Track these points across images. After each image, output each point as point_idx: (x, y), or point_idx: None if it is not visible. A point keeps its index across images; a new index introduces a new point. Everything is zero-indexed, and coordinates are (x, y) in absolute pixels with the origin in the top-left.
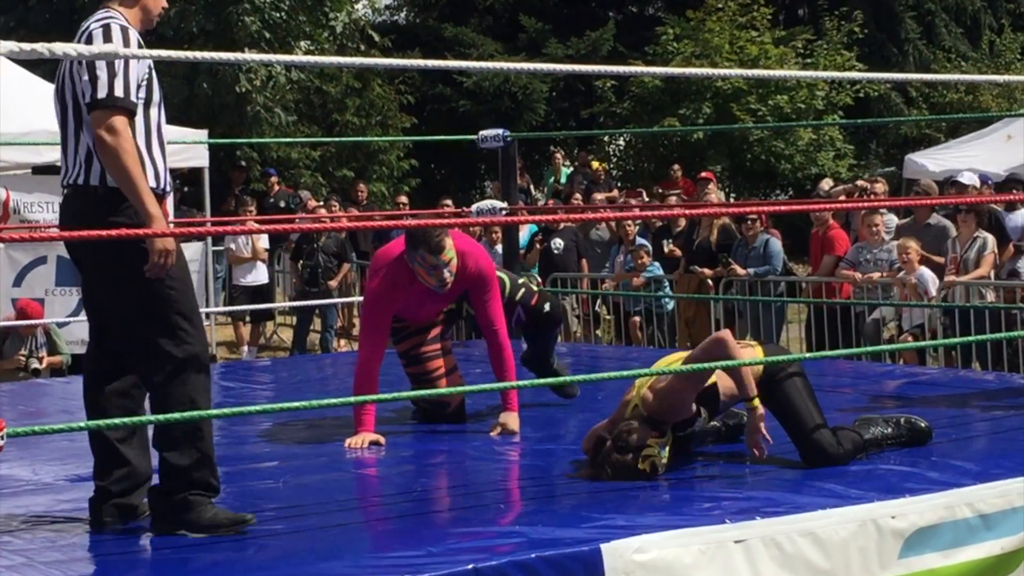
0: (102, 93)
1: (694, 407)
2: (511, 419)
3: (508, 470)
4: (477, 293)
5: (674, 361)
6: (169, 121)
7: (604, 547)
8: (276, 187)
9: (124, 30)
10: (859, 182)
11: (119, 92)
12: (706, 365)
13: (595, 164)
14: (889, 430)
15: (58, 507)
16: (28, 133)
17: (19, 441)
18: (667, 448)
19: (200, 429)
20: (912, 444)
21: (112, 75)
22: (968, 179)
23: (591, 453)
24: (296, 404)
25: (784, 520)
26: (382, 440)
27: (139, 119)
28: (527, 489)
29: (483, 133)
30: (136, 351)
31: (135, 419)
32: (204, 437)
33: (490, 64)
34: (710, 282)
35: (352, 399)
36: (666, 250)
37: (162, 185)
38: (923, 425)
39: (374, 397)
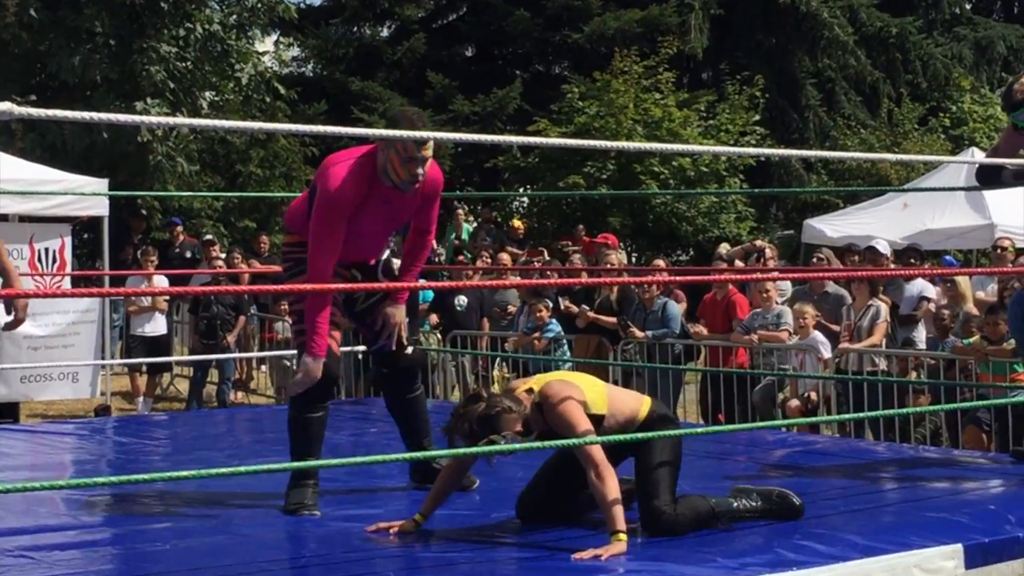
0: None
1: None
2: (398, 311)
3: (400, 539)
4: (429, 201)
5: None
6: (69, 169)
7: None
8: (181, 237)
9: None
10: (757, 242)
11: None
12: (607, 439)
13: (516, 223)
14: (758, 503)
15: None
16: None
17: None
18: (512, 444)
19: None
20: (783, 518)
21: None
22: (882, 247)
23: (460, 407)
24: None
25: None
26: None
27: None
28: (421, 557)
29: None
30: None
31: None
32: None
33: (390, 132)
34: (608, 344)
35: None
36: (563, 307)
37: None
38: (796, 502)
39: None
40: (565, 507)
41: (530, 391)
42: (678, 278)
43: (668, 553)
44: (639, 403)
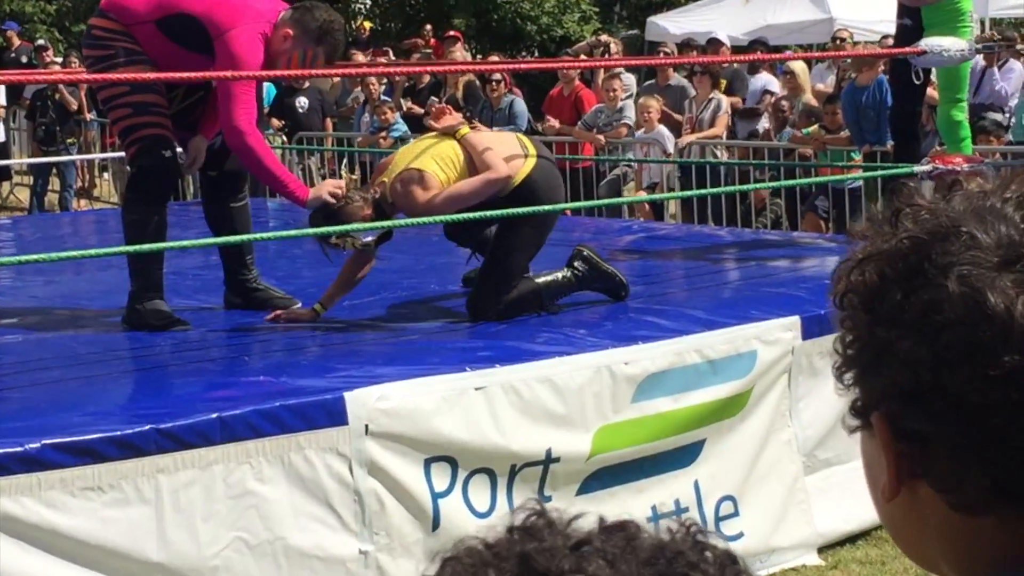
0: None
1: None
2: (201, 142)
3: (253, 324)
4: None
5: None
6: None
7: (347, 395)
8: (17, 42)
9: None
10: (602, 37)
11: None
12: (459, 216)
13: (365, 24)
14: (589, 272)
15: None
16: None
17: None
18: (375, 234)
19: None
20: (609, 295)
21: None
22: (722, 38)
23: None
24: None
25: (522, 367)
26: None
27: None
28: (273, 341)
29: None
30: None
31: None
32: None
33: None
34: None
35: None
36: (404, 108)
37: None
38: (621, 280)
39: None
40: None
41: (382, 183)
42: (523, 66)
43: (510, 331)
44: (517, 165)
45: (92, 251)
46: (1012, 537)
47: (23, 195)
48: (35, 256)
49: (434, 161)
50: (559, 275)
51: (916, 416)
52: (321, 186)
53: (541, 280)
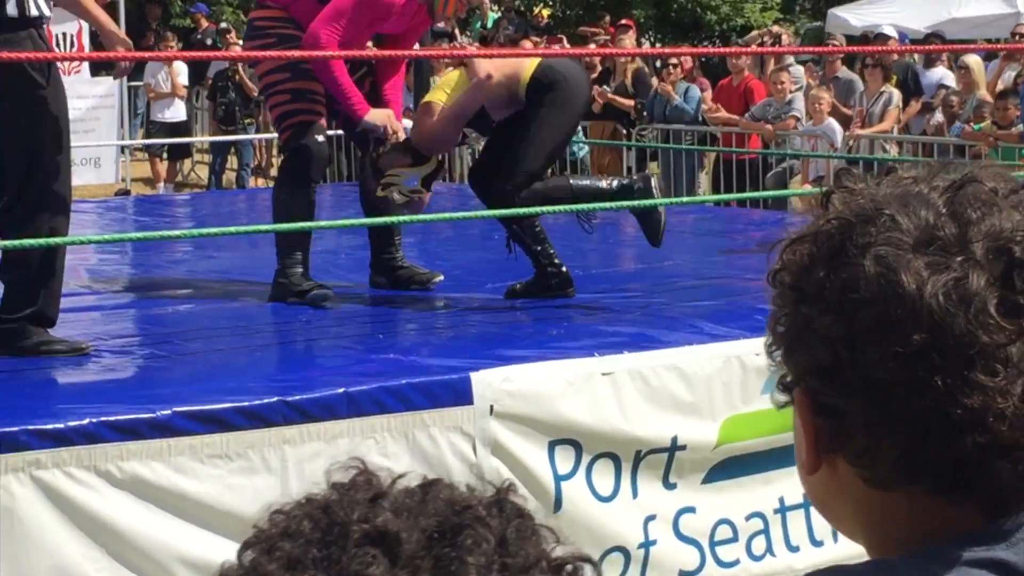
0: None
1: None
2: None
3: (386, 301)
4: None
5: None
6: None
7: (473, 376)
8: (204, 23)
9: None
10: (774, 28)
11: None
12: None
13: (543, 11)
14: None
15: None
16: None
17: None
18: (417, 179)
19: (53, 263)
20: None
21: None
22: (890, 31)
23: None
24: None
25: (651, 355)
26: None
27: None
28: (406, 321)
29: None
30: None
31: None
32: (55, 272)
33: None
34: (623, 130)
35: None
36: None
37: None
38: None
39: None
40: None
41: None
42: (680, 50)
43: (640, 319)
44: (520, 64)
45: (232, 228)
46: (922, 513)
47: (202, 172)
48: (214, 230)
49: (442, 90)
50: (600, 182)
51: (833, 392)
52: (384, 113)
53: (578, 184)
